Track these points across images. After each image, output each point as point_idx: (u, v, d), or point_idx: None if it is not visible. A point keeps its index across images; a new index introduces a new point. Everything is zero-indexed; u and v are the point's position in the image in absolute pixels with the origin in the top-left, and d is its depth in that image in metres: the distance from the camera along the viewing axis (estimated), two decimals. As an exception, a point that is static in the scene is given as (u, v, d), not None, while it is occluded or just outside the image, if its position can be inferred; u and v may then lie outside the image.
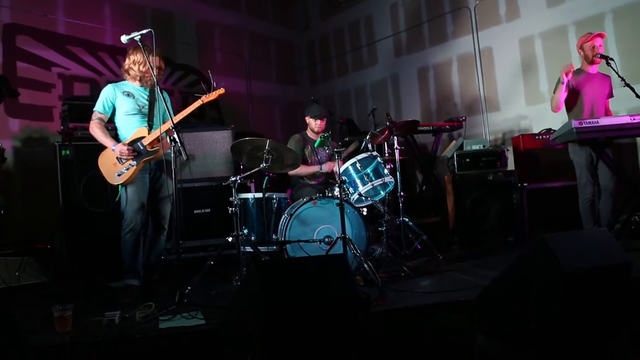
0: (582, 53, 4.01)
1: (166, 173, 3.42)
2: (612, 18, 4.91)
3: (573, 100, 4.00)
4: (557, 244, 2.13)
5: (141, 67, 3.39)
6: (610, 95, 4.04)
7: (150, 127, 3.38)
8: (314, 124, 4.31)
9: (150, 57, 3.11)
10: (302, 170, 4.13)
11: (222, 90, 3.27)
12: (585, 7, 5.08)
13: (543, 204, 4.68)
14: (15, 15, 5.10)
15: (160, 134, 3.18)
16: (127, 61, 3.44)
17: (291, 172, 4.13)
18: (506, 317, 2.29)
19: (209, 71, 3.32)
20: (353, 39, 7.65)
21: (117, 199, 3.42)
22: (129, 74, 3.46)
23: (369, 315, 2.52)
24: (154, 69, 3.13)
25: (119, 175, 3.28)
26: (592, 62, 3.96)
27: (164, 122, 3.33)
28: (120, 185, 3.34)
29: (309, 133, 4.38)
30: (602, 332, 2.25)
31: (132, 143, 3.31)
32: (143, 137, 3.32)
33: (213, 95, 3.26)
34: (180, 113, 3.32)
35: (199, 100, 3.26)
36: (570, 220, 4.05)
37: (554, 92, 4.01)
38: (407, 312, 2.64)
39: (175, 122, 3.07)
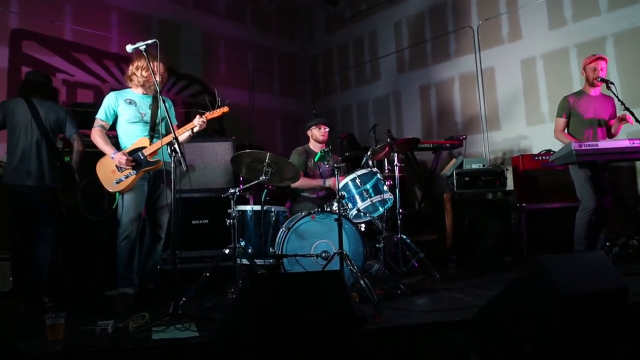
0: (584, 74, 4.06)
1: (165, 183, 3.43)
2: (613, 42, 4.96)
3: (574, 123, 4.04)
4: (554, 266, 2.12)
5: (144, 72, 3.40)
6: (614, 116, 4.06)
7: (152, 137, 3.39)
8: (319, 133, 4.31)
9: (154, 64, 3.14)
10: (304, 183, 4.14)
11: (225, 109, 3.33)
12: (587, 31, 5.14)
13: (541, 224, 4.67)
14: (22, 21, 5.16)
15: (160, 147, 3.20)
16: (130, 67, 3.47)
17: (294, 185, 4.13)
18: (501, 339, 2.28)
19: (215, 90, 3.36)
20: (357, 55, 7.71)
21: (114, 207, 3.42)
22: (131, 80, 3.47)
23: (364, 333, 2.50)
24: (157, 75, 3.15)
25: (117, 183, 3.29)
26: (592, 85, 4.00)
27: (166, 132, 3.36)
28: (117, 193, 3.34)
29: (312, 146, 4.39)
30: (597, 356, 2.23)
31: (133, 152, 3.32)
32: (144, 148, 3.33)
33: (216, 113, 3.30)
34: (183, 127, 3.36)
35: (203, 116, 3.29)
36: (568, 242, 4.04)
37: (557, 117, 4.09)
38: (402, 331, 2.62)
39: (177, 134, 3.09)
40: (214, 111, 3.30)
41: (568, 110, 4.05)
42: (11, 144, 3.52)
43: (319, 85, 8.33)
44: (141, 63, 3.40)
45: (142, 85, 3.46)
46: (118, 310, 3.09)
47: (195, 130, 3.34)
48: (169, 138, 3.10)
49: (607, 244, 3.84)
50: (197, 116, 3.30)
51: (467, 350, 2.44)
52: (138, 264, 3.42)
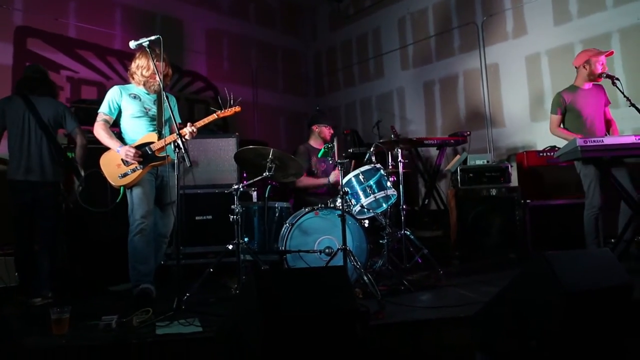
0: (587, 68, 3.99)
1: (169, 180, 3.42)
2: (619, 38, 4.93)
3: (572, 118, 4.01)
4: (558, 262, 2.11)
5: (144, 72, 3.37)
6: (607, 103, 4.02)
7: (159, 133, 3.37)
8: (327, 131, 4.34)
9: (156, 63, 3.12)
10: (309, 181, 4.14)
11: (237, 108, 3.32)
12: (592, 26, 5.10)
13: (546, 221, 4.65)
14: (27, 18, 5.17)
15: (169, 142, 3.19)
16: (132, 65, 3.44)
17: (299, 184, 4.13)
18: (506, 335, 2.27)
19: (226, 89, 3.34)
20: (360, 51, 7.69)
21: (117, 201, 3.41)
22: (133, 78, 3.45)
23: (368, 329, 2.50)
24: (160, 74, 3.13)
25: (122, 176, 3.25)
26: (594, 79, 3.96)
27: (170, 128, 3.36)
28: (122, 187, 3.32)
29: (313, 143, 4.39)
30: (603, 353, 2.22)
31: (140, 147, 3.29)
32: (152, 143, 3.31)
33: (229, 112, 3.29)
34: (193, 125, 3.33)
35: (214, 114, 3.29)
36: (573, 238, 4.03)
37: (552, 114, 4.08)
38: (406, 327, 2.61)
39: (181, 132, 3.07)
40: (226, 110, 3.29)
41: (563, 107, 4.02)
42: (11, 141, 3.58)
43: (323, 82, 8.32)
44: (142, 62, 3.37)
45: (144, 85, 3.43)
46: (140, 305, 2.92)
47: (186, 137, 3.19)
48: (174, 136, 3.09)
49: (612, 240, 3.82)
50: (188, 125, 3.25)
51: (471, 347, 2.43)
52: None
